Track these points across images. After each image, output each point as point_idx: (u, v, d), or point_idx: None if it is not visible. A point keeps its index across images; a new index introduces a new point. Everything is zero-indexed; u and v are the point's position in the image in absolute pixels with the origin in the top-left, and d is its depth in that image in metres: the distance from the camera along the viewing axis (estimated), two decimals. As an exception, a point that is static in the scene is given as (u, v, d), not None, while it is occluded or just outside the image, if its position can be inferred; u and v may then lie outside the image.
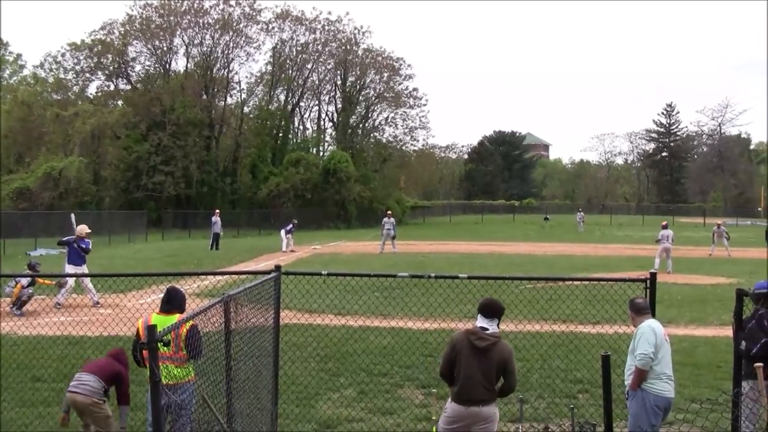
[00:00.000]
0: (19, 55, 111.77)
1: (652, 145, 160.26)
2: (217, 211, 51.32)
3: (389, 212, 52.42)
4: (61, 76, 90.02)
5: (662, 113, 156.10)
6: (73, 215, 26.84)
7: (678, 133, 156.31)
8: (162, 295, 9.88)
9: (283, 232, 48.65)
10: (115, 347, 10.75)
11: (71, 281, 23.45)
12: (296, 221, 52.33)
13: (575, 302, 12.96)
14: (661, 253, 35.42)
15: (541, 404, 12.49)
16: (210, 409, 7.62)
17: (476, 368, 8.38)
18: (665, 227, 35.38)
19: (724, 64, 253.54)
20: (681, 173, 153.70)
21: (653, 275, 9.77)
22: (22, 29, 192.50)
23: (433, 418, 11.79)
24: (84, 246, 24.43)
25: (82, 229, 24.96)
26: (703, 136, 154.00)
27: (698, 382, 13.84)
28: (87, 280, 23.34)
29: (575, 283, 13.73)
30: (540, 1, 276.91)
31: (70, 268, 23.90)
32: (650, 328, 9.13)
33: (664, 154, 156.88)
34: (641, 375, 9.04)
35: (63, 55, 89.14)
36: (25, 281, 22.19)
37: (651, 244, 43.94)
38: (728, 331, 11.86)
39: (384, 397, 12.96)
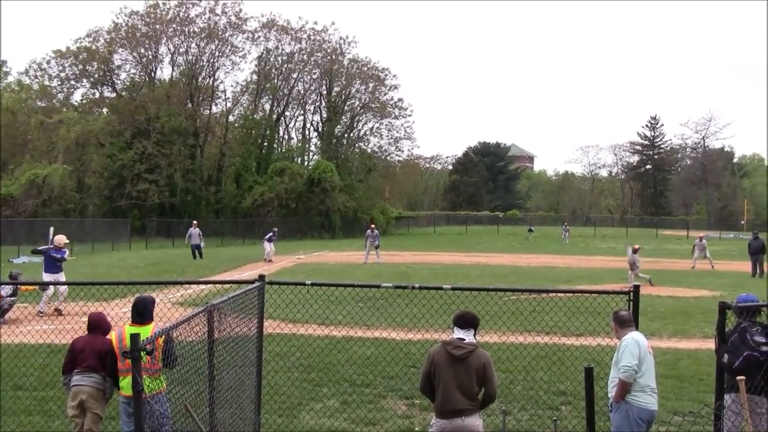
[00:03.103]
0: (3, 62, 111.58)
1: (636, 158, 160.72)
2: (195, 222, 50.90)
3: (372, 225, 52.36)
4: (46, 83, 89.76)
5: (646, 126, 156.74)
6: (51, 228, 26.77)
7: (662, 146, 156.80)
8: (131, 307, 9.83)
9: (265, 241, 48.52)
10: (93, 315, 10.56)
11: (50, 289, 23.45)
12: (276, 229, 52.06)
13: (559, 314, 13.01)
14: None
15: (524, 416, 12.49)
16: (192, 418, 7.59)
17: (456, 378, 8.37)
18: (635, 251, 34.99)
19: (708, 77, 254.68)
20: (665, 186, 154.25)
21: (636, 288, 9.81)
22: (7, 36, 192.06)
23: (416, 429, 11.78)
24: (58, 255, 24.37)
25: (59, 239, 24.94)
26: (687, 149, 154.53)
27: (681, 395, 13.86)
28: (63, 288, 23.40)
29: (559, 295, 13.80)
30: (526, 14, 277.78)
31: (47, 276, 23.86)
32: (634, 340, 9.14)
33: (648, 166, 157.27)
34: (625, 387, 9.04)
35: (48, 62, 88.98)
36: (5, 291, 22.14)
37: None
38: (711, 344, 11.87)
39: (367, 407, 12.94)
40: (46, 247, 24.93)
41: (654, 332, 19.86)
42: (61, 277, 24.09)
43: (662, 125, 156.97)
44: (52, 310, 23.45)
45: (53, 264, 24.25)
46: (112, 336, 9.76)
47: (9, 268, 24.04)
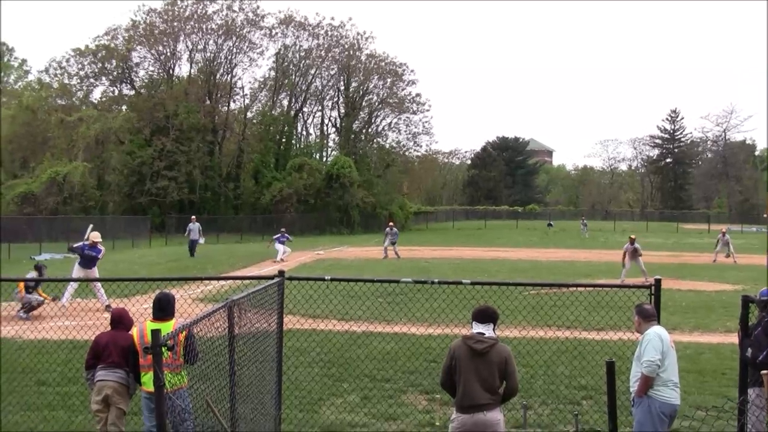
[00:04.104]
0: (24, 61, 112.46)
1: (656, 151, 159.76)
2: (193, 217, 50.43)
3: (391, 223, 52.27)
4: (66, 81, 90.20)
5: (666, 119, 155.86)
6: (90, 225, 26.79)
7: (682, 139, 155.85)
8: (153, 303, 9.85)
9: (276, 242, 47.36)
10: (115, 310, 10.61)
11: (74, 283, 23.53)
12: (284, 229, 51.02)
13: (579, 308, 12.93)
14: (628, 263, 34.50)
15: (545, 410, 12.45)
16: (214, 413, 7.60)
17: (477, 372, 8.34)
18: (632, 242, 34.56)
19: (730, 69, 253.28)
20: (685, 179, 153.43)
21: (658, 281, 9.72)
22: (27, 35, 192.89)
23: (437, 423, 11.77)
24: (93, 254, 24.48)
25: (94, 236, 25.03)
26: (708, 142, 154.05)
27: (703, 389, 13.79)
28: (98, 284, 23.47)
29: (579, 289, 13.71)
30: (544, 7, 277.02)
31: (78, 270, 23.98)
32: (657, 334, 9.07)
33: (668, 160, 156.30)
34: (647, 382, 8.98)
35: (67, 60, 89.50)
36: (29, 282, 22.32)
37: (655, 251, 43.97)
38: (733, 338, 11.81)
39: (387, 402, 12.92)
40: (81, 243, 24.99)
41: (675, 326, 19.79)
42: (94, 273, 24.21)
43: (682, 118, 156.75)
44: (104, 307, 23.47)
45: (88, 261, 24.38)
46: (134, 332, 9.79)
47: (31, 265, 24.12)
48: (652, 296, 9.59)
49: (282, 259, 44.30)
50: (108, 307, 23.08)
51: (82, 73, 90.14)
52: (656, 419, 8.97)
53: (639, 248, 33.90)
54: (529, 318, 18.45)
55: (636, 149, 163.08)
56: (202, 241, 48.75)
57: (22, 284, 22.62)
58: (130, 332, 10.04)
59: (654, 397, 9.00)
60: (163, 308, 9.61)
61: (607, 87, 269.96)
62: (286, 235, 47.27)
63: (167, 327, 8.96)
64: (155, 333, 6.03)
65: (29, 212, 67.81)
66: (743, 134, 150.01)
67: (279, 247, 46.00)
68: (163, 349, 6.09)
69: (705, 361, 16.29)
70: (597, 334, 14.78)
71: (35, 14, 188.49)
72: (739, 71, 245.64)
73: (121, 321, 10.23)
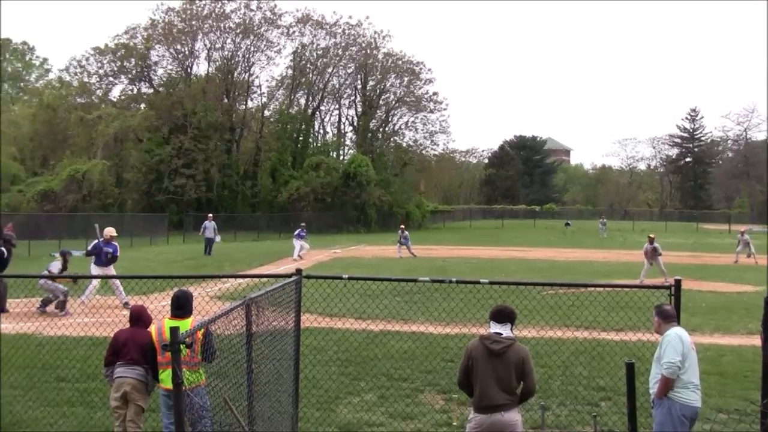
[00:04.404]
0: (45, 59, 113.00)
1: (675, 151, 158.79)
2: (210, 215, 50.30)
3: (402, 226, 52.32)
4: (86, 79, 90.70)
5: (686, 118, 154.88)
6: (96, 225, 26.86)
7: (702, 138, 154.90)
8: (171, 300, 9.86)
9: (294, 237, 47.01)
10: (134, 307, 10.63)
11: (95, 282, 23.62)
12: (304, 224, 50.77)
13: (598, 309, 12.85)
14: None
15: (563, 411, 12.41)
16: (231, 411, 7.60)
17: (494, 372, 8.31)
18: (652, 241, 34.40)
19: (750, 67, 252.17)
20: (705, 179, 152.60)
21: (678, 282, 9.65)
22: (47, 34, 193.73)
23: (454, 423, 11.75)
24: (111, 250, 24.56)
25: (108, 231, 25.13)
26: (729, 141, 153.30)
27: (724, 392, 13.67)
28: (117, 281, 23.53)
29: (597, 289, 13.66)
30: (562, 5, 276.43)
31: (96, 269, 24.06)
32: (677, 335, 9.00)
33: (687, 159, 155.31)
34: (668, 384, 8.91)
35: (87, 59, 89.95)
36: (55, 268, 22.47)
37: (675, 251, 43.80)
38: (755, 340, 11.76)
39: (404, 401, 12.91)
40: (96, 242, 25.06)
41: (696, 328, 19.68)
42: (110, 270, 24.28)
43: (702, 117, 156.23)
44: (122, 304, 23.54)
45: (105, 259, 24.44)
46: (152, 329, 9.80)
47: (50, 261, 24.21)
48: (672, 297, 9.51)
49: (300, 256, 44.21)
50: (126, 304, 23.12)
51: (101, 71, 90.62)
52: (676, 422, 8.91)
53: (659, 248, 33.72)
54: (547, 318, 18.39)
55: (655, 148, 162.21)
56: (218, 239, 48.62)
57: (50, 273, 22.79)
58: (148, 329, 10.06)
59: (674, 399, 8.94)
60: (182, 306, 9.62)
61: (626, 86, 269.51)
62: (305, 230, 47.28)
63: (185, 324, 8.97)
64: (173, 330, 6.03)
65: (49, 210, 68.09)
66: (765, 133, 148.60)
67: (296, 243, 45.84)
68: (182, 346, 6.09)
69: (726, 363, 16.17)
70: (616, 334, 14.72)
71: (56, 14, 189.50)
72: (761, 69, 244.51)
73: (140, 318, 10.26)
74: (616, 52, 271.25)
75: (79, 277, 23.65)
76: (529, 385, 8.42)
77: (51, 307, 22.44)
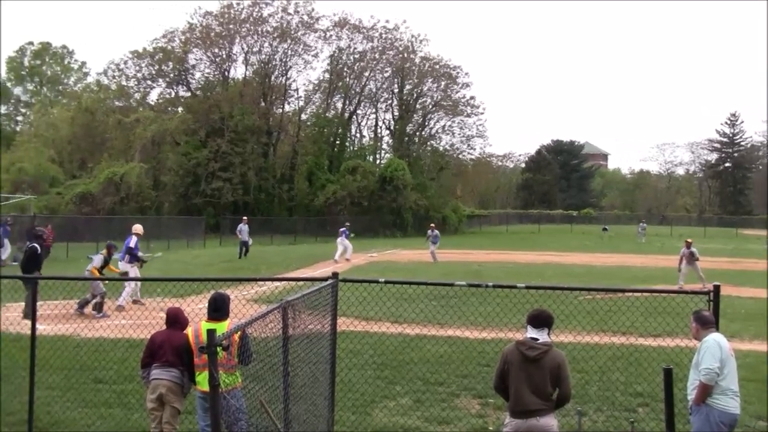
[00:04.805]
0: (83, 63, 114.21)
1: (714, 156, 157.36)
2: (245, 219, 50.36)
3: (432, 225, 52.03)
4: (124, 83, 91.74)
5: (726, 123, 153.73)
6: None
7: (742, 143, 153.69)
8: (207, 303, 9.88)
9: (340, 238, 46.96)
10: (171, 310, 10.66)
11: (133, 283, 23.78)
12: (348, 224, 50.74)
13: (635, 314, 12.80)
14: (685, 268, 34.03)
15: (600, 417, 12.33)
16: (267, 414, 7.61)
17: (529, 378, 8.28)
18: (689, 246, 34.07)
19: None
20: (745, 184, 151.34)
21: (717, 288, 9.55)
22: (86, 38, 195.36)
23: (490, 428, 11.71)
24: (133, 251, 24.75)
25: (136, 228, 25.42)
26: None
27: (764, 399, 13.52)
28: (130, 283, 23.70)
29: (635, 294, 13.58)
30: (601, 9, 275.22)
31: (124, 266, 24.25)
32: (715, 342, 8.92)
33: (727, 164, 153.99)
34: (706, 390, 8.83)
35: (125, 62, 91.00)
36: (98, 263, 22.65)
37: (714, 256, 43.41)
38: (795, 347, 11.60)
39: (440, 406, 12.89)
40: (133, 244, 25.22)
41: (734, 334, 19.45)
42: (132, 271, 24.45)
43: (742, 122, 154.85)
44: (131, 302, 23.76)
45: (132, 257, 24.62)
46: (189, 332, 9.83)
47: (87, 264, 24.35)
48: (711, 303, 9.41)
49: (347, 259, 44.39)
50: (120, 307, 23.32)
51: (139, 75, 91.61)
52: (715, 429, 8.83)
53: (695, 252, 33.41)
54: (584, 323, 18.27)
55: (694, 153, 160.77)
56: (250, 242, 48.70)
57: (94, 268, 23.01)
58: (185, 332, 10.09)
59: (713, 406, 8.86)
60: (218, 308, 9.63)
61: (665, 90, 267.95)
62: (347, 230, 47.24)
63: (222, 327, 8.98)
64: (210, 333, 6.04)
65: (87, 212, 68.63)
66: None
67: (339, 245, 45.88)
68: (218, 349, 6.10)
69: (766, 370, 15.99)
70: (653, 340, 14.62)
71: (95, 18, 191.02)
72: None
73: (176, 320, 10.29)
74: (656, 55, 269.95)
75: (117, 279, 23.83)
76: (564, 391, 8.37)
77: (88, 309, 22.60)
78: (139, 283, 24.36)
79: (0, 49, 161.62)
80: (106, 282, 23.33)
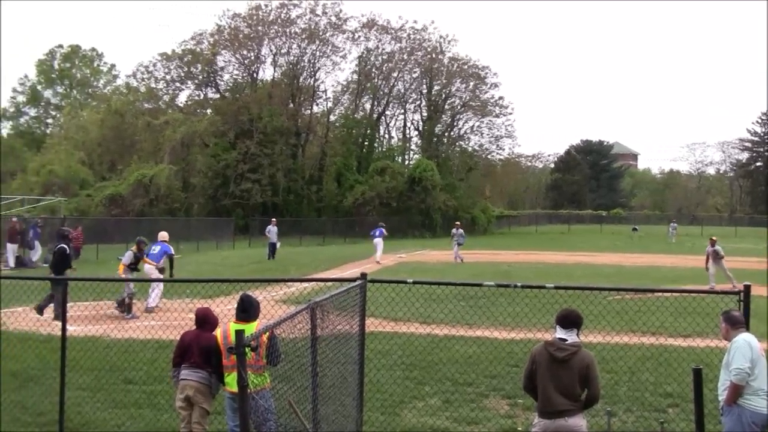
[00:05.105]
0: (112, 66, 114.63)
1: (745, 155, 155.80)
2: (273, 220, 50.40)
3: (457, 223, 51.68)
4: (153, 85, 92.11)
5: (757, 122, 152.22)
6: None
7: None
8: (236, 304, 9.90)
9: (375, 236, 46.92)
10: (200, 310, 10.67)
11: (161, 285, 23.86)
12: (382, 223, 50.72)
13: (665, 314, 12.74)
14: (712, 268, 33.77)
15: (630, 417, 12.29)
16: (296, 414, 7.63)
17: (557, 379, 8.27)
18: (713, 244, 33.83)
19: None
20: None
21: (747, 287, 9.47)
22: (115, 40, 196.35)
23: (519, 428, 11.69)
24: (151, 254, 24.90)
25: (162, 235, 25.55)
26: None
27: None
28: (156, 285, 23.77)
29: (665, 294, 13.50)
30: (629, 8, 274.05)
31: (150, 269, 24.33)
32: (746, 341, 8.86)
33: (758, 163, 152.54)
34: (737, 390, 8.77)
35: (154, 64, 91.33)
36: (127, 260, 22.80)
37: (744, 256, 43.11)
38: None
39: (469, 406, 12.88)
40: (166, 248, 25.28)
41: (765, 335, 19.33)
42: (151, 272, 24.55)
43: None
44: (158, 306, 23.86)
45: (156, 258, 24.70)
46: (218, 332, 9.86)
47: (117, 266, 24.49)
48: (741, 303, 9.35)
49: (377, 261, 44.53)
50: (150, 309, 23.37)
51: (168, 77, 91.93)
52: (747, 429, 8.77)
53: (720, 250, 33.17)
54: (613, 323, 18.20)
55: (724, 152, 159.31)
56: (278, 244, 48.75)
57: (121, 267, 23.16)
58: (213, 333, 10.13)
59: (744, 407, 8.80)
60: (246, 309, 9.65)
61: (695, 89, 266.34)
62: (382, 229, 47.20)
63: (250, 328, 8.99)
64: (239, 333, 6.07)
65: (116, 214, 69.00)
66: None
67: (377, 245, 45.92)
68: (247, 349, 6.13)
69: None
70: (683, 340, 14.54)
71: (124, 20, 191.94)
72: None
73: (205, 321, 10.33)
74: (687, 54, 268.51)
75: (149, 281, 23.94)
76: (593, 392, 8.34)
77: (137, 309, 22.71)
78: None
79: None
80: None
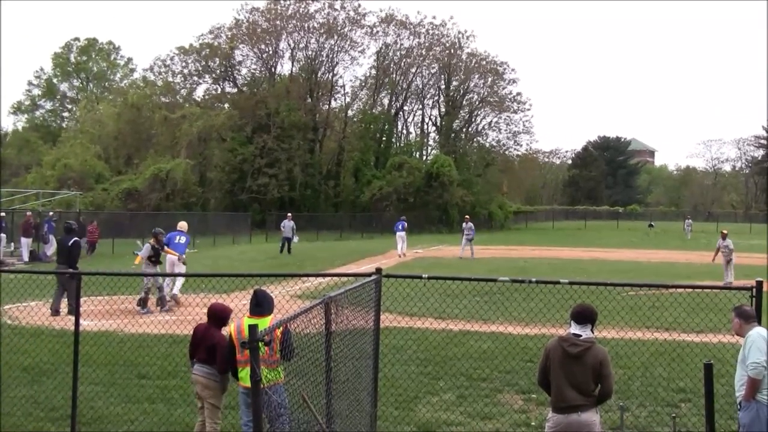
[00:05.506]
0: (129, 59, 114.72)
1: (761, 152, 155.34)
2: (289, 214, 50.44)
3: (467, 217, 51.61)
4: (170, 79, 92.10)
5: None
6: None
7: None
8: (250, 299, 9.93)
9: (397, 231, 47.21)
10: (212, 305, 10.72)
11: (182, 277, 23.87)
12: (404, 217, 50.78)
13: (678, 310, 12.71)
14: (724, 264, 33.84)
15: (643, 412, 12.31)
16: (310, 409, 7.67)
17: (571, 374, 8.30)
18: (724, 237, 33.91)
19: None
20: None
21: (759, 283, 9.49)
22: (133, 34, 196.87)
23: (532, 423, 11.73)
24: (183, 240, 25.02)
25: (182, 225, 25.65)
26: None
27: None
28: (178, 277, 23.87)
29: (679, 290, 13.49)
30: (647, 5, 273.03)
31: (173, 260, 24.42)
32: (760, 335, 8.84)
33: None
34: (755, 385, 8.73)
35: (172, 58, 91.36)
36: (145, 253, 22.86)
37: (759, 253, 43.02)
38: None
39: (483, 401, 12.91)
40: (183, 239, 25.38)
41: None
42: (175, 263, 24.64)
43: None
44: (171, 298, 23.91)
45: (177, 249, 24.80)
46: (231, 327, 9.86)
47: (133, 260, 24.59)
48: (753, 298, 9.38)
49: (400, 255, 44.69)
50: (174, 296, 23.49)
51: (185, 71, 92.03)
52: (764, 424, 8.76)
53: (730, 244, 33.19)
54: (627, 319, 18.21)
55: (740, 149, 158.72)
56: (296, 239, 48.72)
57: (138, 258, 23.22)
58: (221, 329, 10.19)
59: (762, 402, 8.77)
60: (260, 304, 9.64)
61: (712, 86, 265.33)
62: (405, 223, 47.36)
63: (264, 323, 8.95)
64: (252, 328, 6.10)
65: (133, 208, 69.05)
66: None
67: (399, 239, 46.10)
68: (260, 344, 6.17)
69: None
70: (696, 336, 14.54)
71: (141, 14, 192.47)
72: None
73: (215, 316, 10.36)
74: (703, 51, 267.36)
75: (166, 275, 24.03)
76: (606, 388, 8.36)
77: (151, 303, 22.72)
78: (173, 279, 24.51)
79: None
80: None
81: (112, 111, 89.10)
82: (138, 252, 24.72)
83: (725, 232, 34.36)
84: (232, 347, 9.64)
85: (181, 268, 24.27)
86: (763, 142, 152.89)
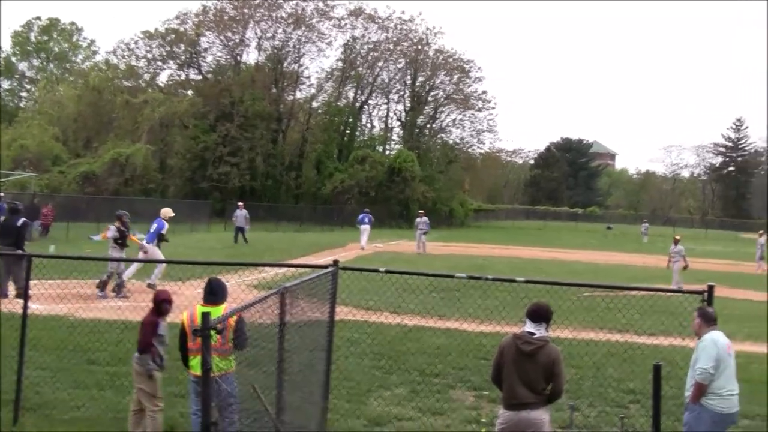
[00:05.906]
0: (92, 41, 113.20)
1: (719, 159, 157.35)
2: (240, 204, 50.21)
3: (421, 211, 51.59)
4: (133, 63, 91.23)
5: (731, 128, 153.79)
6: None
7: (746, 148, 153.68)
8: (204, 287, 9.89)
9: (361, 224, 47.29)
10: (157, 292, 10.74)
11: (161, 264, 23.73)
12: (368, 210, 50.69)
13: (632, 312, 12.86)
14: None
15: (592, 412, 12.40)
16: (260, 400, 7.66)
17: (523, 372, 8.36)
18: (676, 243, 34.41)
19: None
20: (747, 189, 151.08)
21: (711, 288, 9.62)
22: (96, 16, 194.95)
23: (483, 420, 11.77)
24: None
25: (166, 212, 25.52)
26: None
27: (752, 399, 13.54)
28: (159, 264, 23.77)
29: (633, 292, 13.60)
30: (611, 8, 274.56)
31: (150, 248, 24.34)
32: (712, 341, 9.02)
33: (730, 168, 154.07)
34: (701, 389, 8.92)
35: (136, 42, 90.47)
36: (111, 233, 22.65)
37: (713, 258, 43.44)
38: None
39: (435, 397, 12.95)
40: (162, 225, 25.26)
41: (728, 335, 19.29)
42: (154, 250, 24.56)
43: (747, 127, 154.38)
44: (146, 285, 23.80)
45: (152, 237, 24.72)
46: (184, 315, 9.83)
47: (89, 246, 24.41)
48: (704, 302, 9.50)
49: (363, 247, 44.70)
50: (150, 285, 23.37)
51: (149, 55, 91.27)
52: (703, 428, 8.91)
53: (682, 250, 33.55)
54: (581, 319, 18.31)
55: (699, 156, 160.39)
56: (247, 228, 48.41)
57: (103, 235, 22.98)
58: (159, 317, 10.20)
59: (705, 406, 8.95)
60: (214, 292, 9.57)
61: (673, 93, 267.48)
62: (369, 216, 47.33)
63: (218, 311, 8.91)
64: (205, 316, 6.09)
65: (90, 192, 68.25)
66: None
67: (363, 232, 46.11)
68: (212, 332, 6.15)
69: (754, 370, 15.99)
70: (648, 338, 14.66)
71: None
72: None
73: (155, 304, 10.38)
74: (666, 58, 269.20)
75: (151, 261, 23.92)
76: (556, 387, 8.43)
77: (109, 289, 22.54)
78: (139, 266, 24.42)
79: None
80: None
81: (72, 93, 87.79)
82: (95, 237, 24.53)
83: (678, 237, 34.79)
84: (183, 335, 9.59)
85: (156, 256, 24.15)
86: (722, 149, 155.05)
